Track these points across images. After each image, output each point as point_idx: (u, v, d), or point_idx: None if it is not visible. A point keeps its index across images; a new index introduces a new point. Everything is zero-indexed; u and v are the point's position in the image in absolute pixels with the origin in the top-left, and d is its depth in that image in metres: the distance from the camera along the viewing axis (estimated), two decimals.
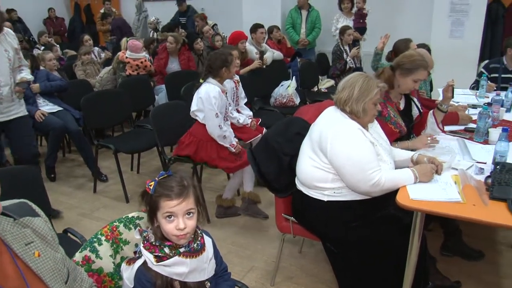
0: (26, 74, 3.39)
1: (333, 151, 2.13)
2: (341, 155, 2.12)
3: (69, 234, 2.33)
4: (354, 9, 6.63)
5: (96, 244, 1.54)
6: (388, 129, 2.64)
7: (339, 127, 2.16)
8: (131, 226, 1.62)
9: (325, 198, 2.22)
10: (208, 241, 1.63)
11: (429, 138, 2.67)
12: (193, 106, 3.33)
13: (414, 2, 7.03)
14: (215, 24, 7.40)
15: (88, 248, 1.52)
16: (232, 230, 3.40)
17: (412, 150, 2.59)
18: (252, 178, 3.46)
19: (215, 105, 3.21)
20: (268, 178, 2.45)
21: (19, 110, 3.40)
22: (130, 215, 1.65)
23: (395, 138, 2.72)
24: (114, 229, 1.59)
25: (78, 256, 1.51)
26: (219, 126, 3.25)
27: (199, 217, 1.53)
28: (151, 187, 1.47)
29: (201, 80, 3.33)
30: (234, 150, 3.34)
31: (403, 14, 7.14)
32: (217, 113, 3.22)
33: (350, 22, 6.49)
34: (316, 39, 6.99)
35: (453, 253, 2.93)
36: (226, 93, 3.40)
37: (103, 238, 1.56)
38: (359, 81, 2.19)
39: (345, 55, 5.75)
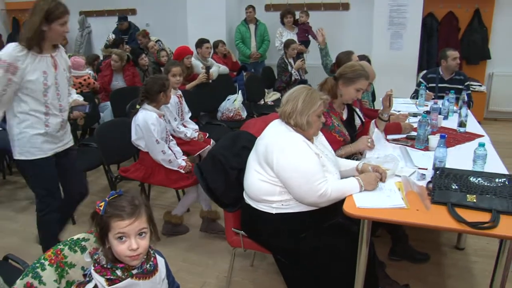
0: (78, 96, 3.01)
1: (279, 164, 2.15)
2: (287, 168, 2.14)
3: (10, 261, 2.21)
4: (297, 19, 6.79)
5: (39, 270, 1.47)
6: (332, 137, 2.71)
7: (284, 140, 2.19)
8: (76, 248, 1.57)
9: (274, 211, 2.24)
10: (160, 261, 1.60)
11: (369, 139, 2.77)
12: (133, 135, 3.28)
13: (355, 15, 7.28)
14: (159, 40, 7.35)
15: (30, 274, 1.45)
16: (183, 246, 3.35)
17: (354, 154, 2.67)
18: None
19: (155, 131, 3.17)
20: (217, 193, 2.44)
21: (70, 138, 2.94)
22: (75, 237, 1.60)
23: (339, 146, 2.79)
24: (59, 252, 1.53)
25: (19, 284, 1.44)
26: (162, 151, 3.22)
27: (151, 237, 1.51)
28: (101, 208, 1.43)
29: (137, 106, 3.27)
30: (183, 172, 3.30)
31: (345, 28, 7.37)
32: (157, 140, 3.19)
33: (293, 36, 6.63)
34: (266, 52, 7.10)
35: (401, 257, 3.01)
36: (163, 116, 3.37)
37: (46, 262, 1.49)
38: (302, 94, 2.24)
39: (289, 68, 5.86)
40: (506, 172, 2.38)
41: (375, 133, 2.96)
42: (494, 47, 6.71)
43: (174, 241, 3.42)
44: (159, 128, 3.23)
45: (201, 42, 5.60)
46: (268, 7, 7.64)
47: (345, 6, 7.33)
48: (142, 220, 1.45)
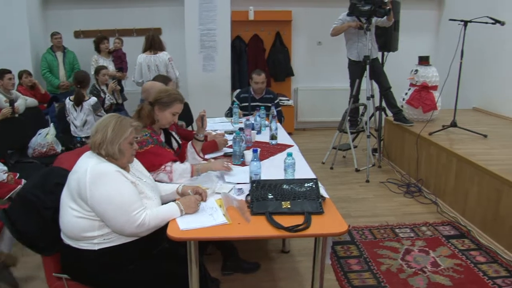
0: None
1: (93, 197, 2.04)
2: (102, 201, 2.05)
3: None
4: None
5: None
6: (167, 152, 2.72)
7: (97, 172, 2.08)
8: None
9: (96, 247, 2.11)
10: None
11: (225, 162, 2.83)
12: None
13: (168, 40, 7.31)
14: None
15: None
16: None
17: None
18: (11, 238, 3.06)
19: None
20: (29, 236, 2.21)
21: None
22: None
23: (175, 157, 2.78)
24: None
25: None
26: None
27: None
28: None
29: None
30: None
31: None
32: None
33: (110, 63, 6.46)
34: None
35: (234, 270, 3.11)
36: None
37: None
38: (111, 123, 2.17)
39: (102, 94, 5.68)
40: (313, 176, 2.62)
41: (190, 154, 3.00)
42: (296, 65, 7.46)
43: None
44: None
45: (2, 73, 5.07)
46: (77, 34, 7.29)
47: (157, 31, 7.37)
48: None
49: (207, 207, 2.30)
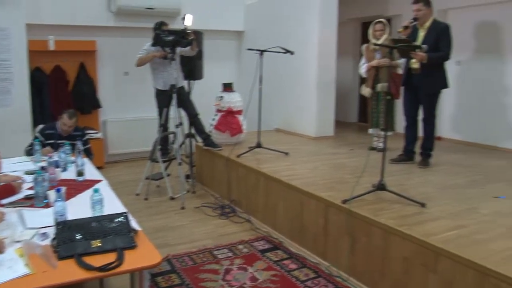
0: None
1: None
2: None
3: None
4: None
5: None
6: None
7: None
8: None
9: None
10: None
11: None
12: None
13: None
14: None
15: None
16: None
17: None
18: None
19: None
20: None
21: None
22: None
23: None
24: None
25: None
26: None
27: None
28: None
29: None
30: None
31: None
32: None
33: None
34: None
35: None
36: None
37: None
38: None
39: None
40: (123, 210, 2.57)
41: None
42: (103, 96, 7.23)
43: None
44: None
45: None
46: None
47: None
48: None
49: (5, 259, 2.06)
